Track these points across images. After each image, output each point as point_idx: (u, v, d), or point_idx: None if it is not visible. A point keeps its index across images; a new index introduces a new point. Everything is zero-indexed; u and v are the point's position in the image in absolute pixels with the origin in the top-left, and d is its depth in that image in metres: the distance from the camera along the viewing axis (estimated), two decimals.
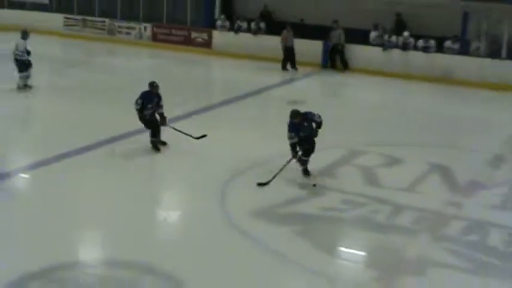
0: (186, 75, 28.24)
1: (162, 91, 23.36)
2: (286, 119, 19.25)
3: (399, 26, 28.73)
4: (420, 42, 27.72)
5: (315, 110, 18.87)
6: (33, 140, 19.45)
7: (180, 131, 17.14)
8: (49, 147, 17.92)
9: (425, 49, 27.57)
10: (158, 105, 17.33)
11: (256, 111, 22.69)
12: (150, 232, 13.93)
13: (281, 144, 17.35)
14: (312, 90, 26.49)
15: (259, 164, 16.85)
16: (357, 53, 28.42)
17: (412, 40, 27.80)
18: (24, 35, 24.48)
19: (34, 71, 25.46)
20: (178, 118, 20.00)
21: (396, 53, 27.86)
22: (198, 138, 17.18)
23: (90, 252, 13.10)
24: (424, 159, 17.49)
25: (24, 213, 14.40)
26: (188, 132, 17.25)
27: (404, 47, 27.77)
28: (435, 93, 25.19)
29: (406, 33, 27.88)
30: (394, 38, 28.24)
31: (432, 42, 27.56)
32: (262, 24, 30.59)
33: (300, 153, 15.83)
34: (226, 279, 11.75)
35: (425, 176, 16.46)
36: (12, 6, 36.63)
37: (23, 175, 16.65)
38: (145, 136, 17.90)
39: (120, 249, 12.79)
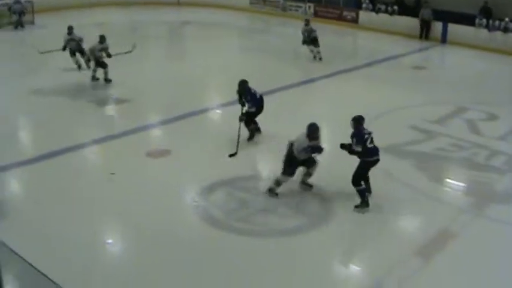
0: (338, 43, 28.06)
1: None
2: (409, 80, 18.98)
3: (485, 12, 27.35)
4: None
5: (430, 76, 18.56)
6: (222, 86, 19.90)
7: None
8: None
9: None
10: None
11: (388, 73, 22.29)
12: None
13: (404, 99, 17.28)
14: (430, 59, 25.78)
15: (387, 112, 16.74)
16: (464, 32, 27.24)
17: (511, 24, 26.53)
18: None
19: (228, 35, 25.99)
20: (330, 75, 20.11)
21: (498, 34, 26.67)
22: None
23: (262, 169, 13.43)
24: None
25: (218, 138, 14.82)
26: None
27: (506, 29, 26.55)
28: None
29: (507, 19, 26.64)
30: (497, 23, 27.00)
31: None
32: (396, 7, 29.89)
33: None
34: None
35: None
36: None
37: (217, 111, 17.16)
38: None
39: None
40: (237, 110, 16.08)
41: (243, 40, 29.43)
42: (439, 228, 10.91)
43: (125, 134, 14.98)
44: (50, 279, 5.57)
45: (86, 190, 12.09)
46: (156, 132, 15.69)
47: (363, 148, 11.02)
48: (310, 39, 23.00)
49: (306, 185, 12.01)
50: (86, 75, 19.73)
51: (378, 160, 11.23)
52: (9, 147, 14.36)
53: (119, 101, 17.73)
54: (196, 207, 11.46)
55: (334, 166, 12.73)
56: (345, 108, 14.59)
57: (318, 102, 17.74)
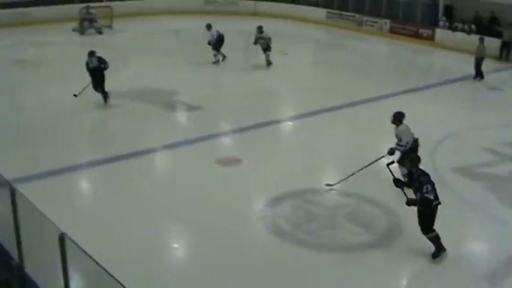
0: (413, 60, 27.64)
1: (393, 71, 23.08)
2: (483, 101, 18.33)
3: None
4: None
5: (506, 98, 18.06)
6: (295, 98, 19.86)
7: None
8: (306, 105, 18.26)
9: None
10: None
11: (462, 93, 21.73)
12: (377, 171, 13.87)
13: (477, 120, 16.80)
14: (508, 80, 24.89)
15: (459, 132, 16.36)
16: None
17: None
18: None
19: (302, 48, 25.96)
20: (400, 92, 19.84)
21: None
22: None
23: (330, 182, 13.26)
24: None
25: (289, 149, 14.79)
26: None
27: None
28: None
29: None
30: None
31: None
32: (473, 27, 29.25)
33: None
34: None
35: None
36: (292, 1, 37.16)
37: (289, 122, 17.11)
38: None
39: (352, 182, 12.81)
40: (310, 123, 16.11)
41: (318, 54, 29.28)
42: (509, 253, 10.58)
43: (196, 140, 15.04)
44: (116, 279, 5.54)
45: (153, 194, 12.23)
46: (227, 141, 15.72)
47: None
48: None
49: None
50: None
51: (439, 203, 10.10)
52: (83, 147, 14.66)
53: (191, 108, 17.82)
54: (263, 217, 11.40)
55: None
56: (416, 125, 14.26)
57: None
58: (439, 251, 10.13)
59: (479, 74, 22.54)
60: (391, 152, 12.25)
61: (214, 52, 23.57)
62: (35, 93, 19.19)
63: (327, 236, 10.84)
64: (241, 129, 16.08)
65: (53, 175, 12.94)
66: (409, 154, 11.54)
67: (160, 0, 35.80)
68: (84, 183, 13.39)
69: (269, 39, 23.21)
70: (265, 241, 10.65)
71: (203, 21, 32.56)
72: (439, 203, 9.91)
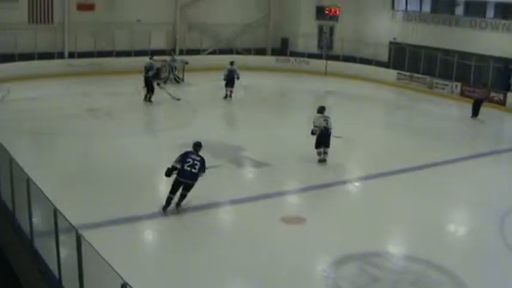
0: (483, 124, 26.88)
1: (462, 135, 22.75)
2: None
3: None
4: None
5: None
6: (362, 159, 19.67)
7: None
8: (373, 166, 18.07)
9: None
10: None
11: None
12: (444, 237, 13.61)
13: None
14: None
15: None
16: None
17: None
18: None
19: (371, 108, 25.88)
20: (468, 157, 19.51)
21: None
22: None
23: (395, 246, 13.07)
24: None
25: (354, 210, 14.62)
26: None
27: None
28: None
29: None
30: None
31: None
32: None
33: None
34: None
35: None
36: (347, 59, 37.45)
37: (356, 183, 16.95)
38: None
39: (417, 247, 12.61)
40: (376, 185, 15.90)
41: (386, 115, 29.17)
42: None
43: (261, 197, 15.05)
44: None
45: (217, 249, 12.24)
46: (292, 199, 15.68)
47: (181, 167, 13.33)
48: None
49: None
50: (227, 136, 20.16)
51: (187, 183, 13.43)
52: (149, 198, 14.75)
53: (257, 164, 17.88)
54: (325, 277, 11.27)
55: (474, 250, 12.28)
56: (484, 191, 13.96)
57: (461, 185, 17.07)
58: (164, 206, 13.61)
59: None
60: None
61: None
62: (105, 143, 19.63)
63: None
64: (307, 188, 16.05)
65: (118, 224, 13.11)
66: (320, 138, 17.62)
67: (232, 56, 36.46)
68: (149, 234, 13.47)
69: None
70: None
71: (273, 78, 33.20)
72: (181, 180, 13.40)
